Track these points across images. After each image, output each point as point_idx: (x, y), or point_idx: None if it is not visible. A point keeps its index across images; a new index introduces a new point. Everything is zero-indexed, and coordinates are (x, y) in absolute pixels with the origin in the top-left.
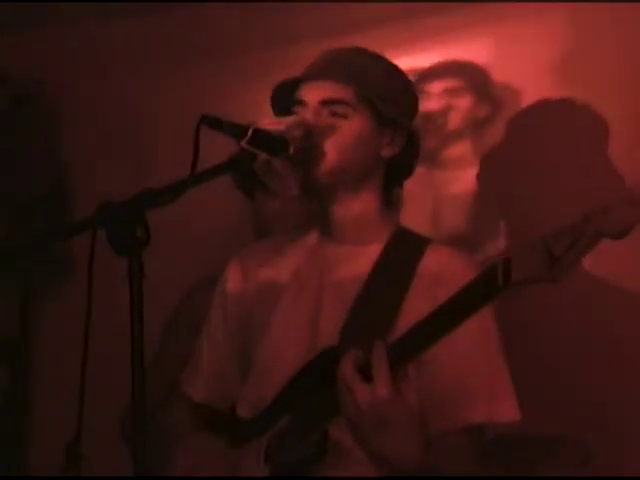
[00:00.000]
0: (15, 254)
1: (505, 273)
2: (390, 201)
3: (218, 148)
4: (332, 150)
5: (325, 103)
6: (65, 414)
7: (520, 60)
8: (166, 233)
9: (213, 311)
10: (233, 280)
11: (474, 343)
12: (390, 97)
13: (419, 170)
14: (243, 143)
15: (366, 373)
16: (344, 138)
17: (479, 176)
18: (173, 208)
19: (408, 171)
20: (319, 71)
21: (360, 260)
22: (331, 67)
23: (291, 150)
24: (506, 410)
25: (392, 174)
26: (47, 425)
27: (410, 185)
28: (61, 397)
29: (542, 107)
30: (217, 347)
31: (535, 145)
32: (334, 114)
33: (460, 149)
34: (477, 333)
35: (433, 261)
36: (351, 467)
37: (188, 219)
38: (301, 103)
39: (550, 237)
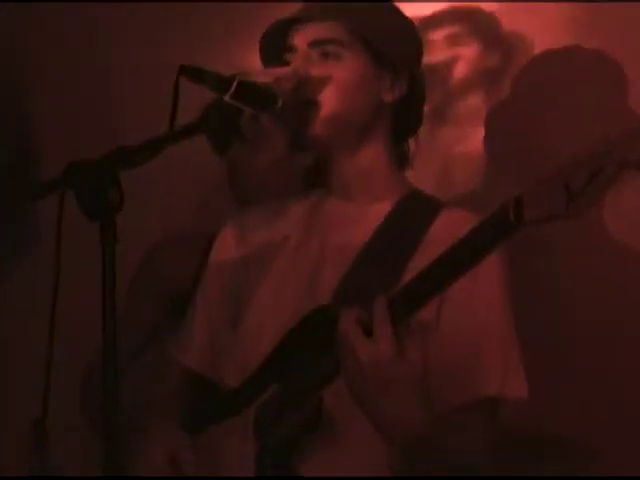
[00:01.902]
0: None
1: (517, 211)
2: (400, 157)
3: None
4: (327, 100)
5: (314, 44)
6: (31, 391)
7: (532, 7)
8: (136, 195)
9: (206, 277)
10: (226, 245)
11: (487, 311)
12: (387, 34)
13: (425, 128)
14: (227, 97)
15: (367, 331)
16: (339, 85)
17: (487, 132)
18: (144, 168)
19: (416, 121)
20: (307, 11)
21: (366, 219)
22: (320, 6)
23: (280, 104)
24: (515, 385)
25: (399, 125)
26: (12, 404)
27: (416, 144)
28: (26, 372)
29: (553, 56)
30: (210, 315)
31: (547, 96)
32: (326, 55)
33: (469, 103)
34: (490, 300)
35: (446, 225)
36: (345, 444)
37: (160, 180)
38: (291, 49)
39: (567, 170)
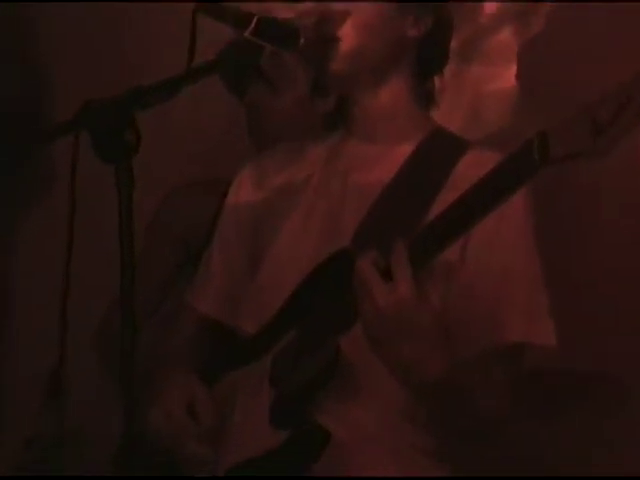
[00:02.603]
0: None
1: (542, 148)
2: (425, 95)
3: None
4: (349, 35)
5: None
6: (45, 343)
7: None
8: (153, 137)
9: (223, 223)
10: (245, 188)
11: (513, 252)
12: None
13: (453, 65)
14: (247, 33)
15: (386, 274)
16: (360, 19)
17: (519, 68)
18: (160, 110)
19: (442, 57)
20: None
21: (388, 160)
22: None
23: (302, 41)
24: (543, 331)
25: (424, 62)
26: (25, 355)
27: (442, 82)
28: (42, 319)
29: None
30: (227, 261)
31: (581, 32)
32: None
33: (499, 40)
34: (516, 241)
35: (472, 165)
36: (363, 392)
37: (177, 121)
38: None
39: (595, 104)
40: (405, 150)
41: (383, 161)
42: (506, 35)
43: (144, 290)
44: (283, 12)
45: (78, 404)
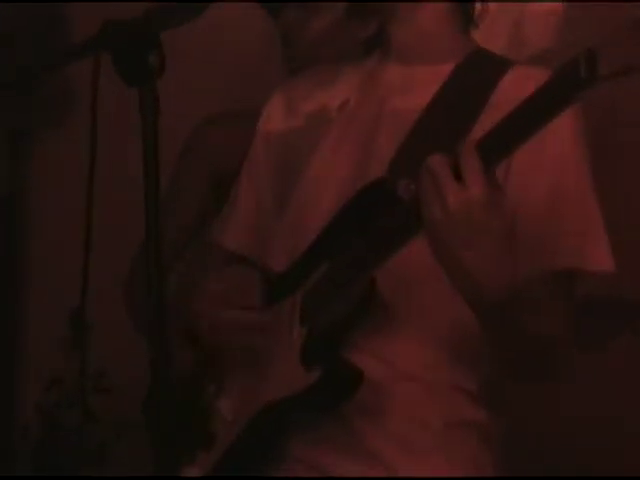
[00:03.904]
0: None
1: (590, 65)
2: (464, 16)
3: None
4: None
5: None
6: (67, 280)
7: None
8: (181, 59)
9: (253, 153)
10: (275, 116)
11: (561, 173)
12: None
13: None
14: None
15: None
16: None
17: None
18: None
19: None
20: None
21: (427, 83)
22: None
23: None
24: (600, 257)
25: None
26: (47, 295)
27: (486, 4)
28: (62, 260)
29: None
30: (256, 193)
31: None
32: None
33: None
34: (563, 160)
35: (515, 84)
36: (398, 330)
37: (206, 43)
38: None
39: None
40: (443, 71)
41: (421, 84)
42: None
43: (171, 228)
44: None
45: (103, 348)
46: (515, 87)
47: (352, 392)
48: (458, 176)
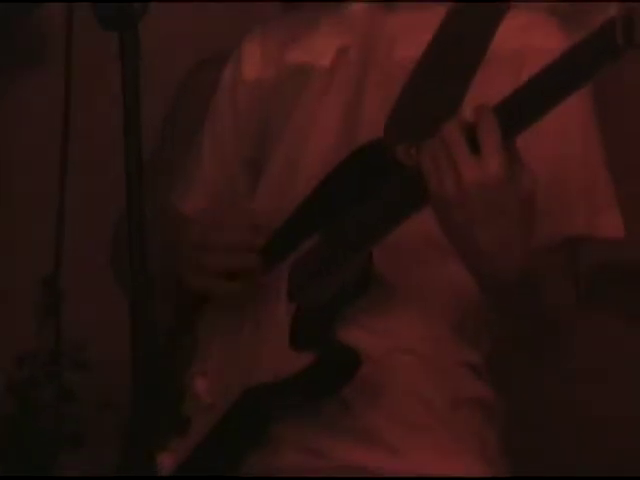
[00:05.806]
0: None
1: (627, 30)
2: None
3: None
4: None
5: None
6: (43, 244)
7: None
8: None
9: (219, 104)
10: (250, 63)
11: (570, 141)
12: None
13: None
14: None
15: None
16: None
17: None
18: None
19: None
20: None
21: (419, 30)
22: None
23: None
24: (609, 224)
25: None
26: (21, 262)
27: None
28: (37, 218)
29: None
30: (222, 151)
31: None
32: None
33: None
34: (573, 129)
35: (514, 32)
36: (395, 309)
37: None
38: None
39: None
40: (437, 15)
41: (412, 31)
42: None
43: (159, 185)
44: None
45: (80, 319)
46: (516, 35)
47: (350, 377)
48: (474, 147)
